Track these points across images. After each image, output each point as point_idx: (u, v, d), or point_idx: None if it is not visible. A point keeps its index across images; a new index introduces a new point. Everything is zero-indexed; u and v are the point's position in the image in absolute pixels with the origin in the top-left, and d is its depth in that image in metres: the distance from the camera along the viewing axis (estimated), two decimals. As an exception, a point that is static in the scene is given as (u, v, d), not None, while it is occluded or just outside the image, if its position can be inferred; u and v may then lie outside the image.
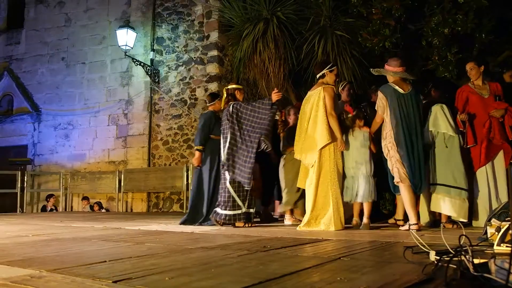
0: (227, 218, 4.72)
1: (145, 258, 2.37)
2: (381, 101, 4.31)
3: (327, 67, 4.50)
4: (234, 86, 5.12)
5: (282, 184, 5.33)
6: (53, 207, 10.53)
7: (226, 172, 4.79)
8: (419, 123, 4.26)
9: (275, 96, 4.69)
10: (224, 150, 4.85)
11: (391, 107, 4.23)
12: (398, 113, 4.19)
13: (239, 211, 4.71)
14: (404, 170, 4.16)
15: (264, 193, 5.61)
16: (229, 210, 4.72)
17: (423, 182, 4.22)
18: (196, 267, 2.06)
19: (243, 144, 4.72)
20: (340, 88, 5.33)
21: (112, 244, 3.16)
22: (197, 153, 5.28)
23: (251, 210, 4.81)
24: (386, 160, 4.36)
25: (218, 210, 4.81)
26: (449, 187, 4.33)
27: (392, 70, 4.35)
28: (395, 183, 4.29)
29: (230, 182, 4.75)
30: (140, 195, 10.22)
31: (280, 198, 5.54)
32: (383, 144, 4.35)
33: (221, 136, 4.95)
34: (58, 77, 11.43)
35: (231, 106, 4.87)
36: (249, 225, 4.75)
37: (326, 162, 4.28)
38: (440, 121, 4.43)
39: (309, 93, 4.56)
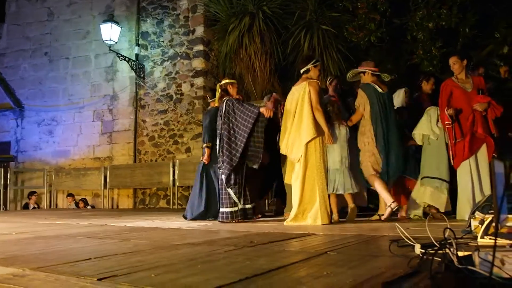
0: (225, 216, 4.70)
1: (130, 255, 2.35)
2: (362, 99, 4.61)
3: (312, 62, 4.52)
4: (226, 81, 5.07)
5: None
6: (36, 205, 10.38)
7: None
8: (395, 120, 4.63)
9: (265, 109, 4.65)
10: (218, 148, 4.83)
11: (371, 105, 4.54)
12: (378, 111, 4.52)
13: (236, 208, 4.70)
14: (378, 162, 4.50)
15: (260, 188, 5.63)
16: (225, 207, 4.71)
17: (394, 172, 4.57)
18: (182, 263, 2.05)
19: (232, 142, 4.69)
20: (327, 83, 5.35)
21: (97, 241, 3.13)
22: (206, 151, 5.33)
23: (247, 206, 4.80)
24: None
25: (221, 209, 4.79)
26: (432, 178, 4.62)
27: (371, 69, 4.71)
28: (369, 174, 4.55)
29: (226, 180, 4.73)
30: (126, 191, 10.14)
31: (280, 195, 5.57)
32: (361, 139, 4.63)
33: (217, 133, 4.93)
34: (41, 72, 11.24)
35: (224, 103, 4.83)
36: (236, 221, 4.70)
37: (312, 156, 4.29)
38: (425, 125, 4.72)
39: (293, 88, 4.56)
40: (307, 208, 4.26)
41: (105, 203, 10.02)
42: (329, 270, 1.79)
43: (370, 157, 4.49)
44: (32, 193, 10.41)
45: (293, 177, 4.40)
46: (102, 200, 10.07)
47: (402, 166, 4.60)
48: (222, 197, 4.76)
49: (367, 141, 4.53)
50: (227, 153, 4.66)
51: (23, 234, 3.71)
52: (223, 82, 5.06)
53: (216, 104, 5.09)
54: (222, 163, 4.70)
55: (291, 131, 4.40)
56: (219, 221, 4.75)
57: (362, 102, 4.58)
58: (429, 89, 5.21)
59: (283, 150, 4.52)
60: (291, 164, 4.53)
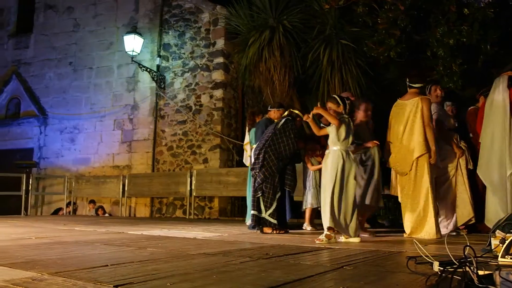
0: (251, 218, 4.87)
1: (147, 263, 2.37)
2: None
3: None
4: (298, 112, 5.16)
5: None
6: (68, 212, 10.54)
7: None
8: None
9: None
10: (258, 152, 4.85)
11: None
12: None
13: (260, 214, 4.78)
14: None
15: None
16: (252, 210, 4.83)
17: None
18: (198, 273, 2.05)
19: (279, 156, 4.78)
20: (427, 91, 5.07)
21: (114, 248, 3.17)
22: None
23: (267, 217, 4.78)
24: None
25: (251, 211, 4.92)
26: None
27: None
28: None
29: (259, 186, 4.81)
30: (143, 200, 10.23)
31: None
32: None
33: (260, 138, 5.00)
34: (65, 81, 11.52)
35: (284, 119, 4.90)
36: (277, 232, 4.72)
37: (423, 171, 4.29)
38: None
39: (400, 101, 4.54)
40: (421, 222, 4.27)
41: (122, 211, 10.11)
42: (344, 285, 1.77)
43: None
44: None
45: (403, 192, 4.41)
46: (120, 208, 10.17)
47: None
48: (253, 200, 4.87)
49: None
50: (272, 163, 4.76)
51: (43, 239, 3.77)
52: (295, 112, 5.13)
53: (276, 118, 5.19)
54: (260, 171, 4.77)
55: (400, 146, 4.42)
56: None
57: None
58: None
59: (390, 164, 4.54)
60: (400, 178, 4.55)
